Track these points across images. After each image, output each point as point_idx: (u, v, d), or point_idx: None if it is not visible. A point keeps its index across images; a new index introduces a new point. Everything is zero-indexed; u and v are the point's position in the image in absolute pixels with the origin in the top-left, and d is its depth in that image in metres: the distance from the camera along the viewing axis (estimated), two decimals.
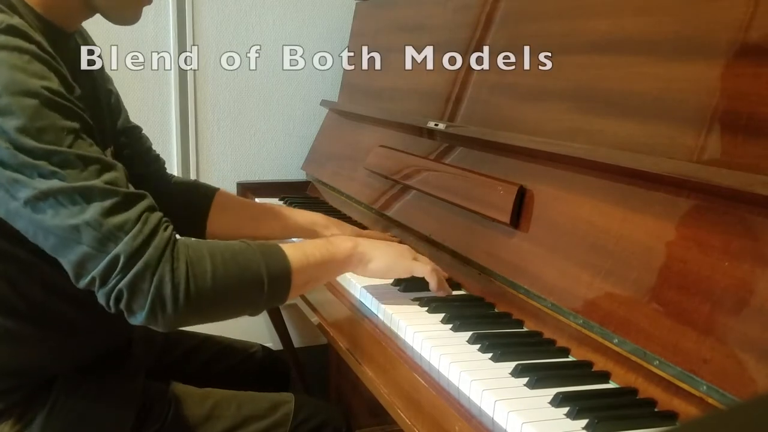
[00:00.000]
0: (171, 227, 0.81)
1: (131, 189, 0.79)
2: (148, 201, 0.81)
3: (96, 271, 0.76)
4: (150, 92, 1.82)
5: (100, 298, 0.78)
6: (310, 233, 1.22)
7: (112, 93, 1.12)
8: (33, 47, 0.77)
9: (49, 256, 0.79)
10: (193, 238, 0.88)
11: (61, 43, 0.88)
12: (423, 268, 1.01)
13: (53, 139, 0.75)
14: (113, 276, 0.76)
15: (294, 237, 1.25)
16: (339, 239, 1.00)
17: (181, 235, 0.88)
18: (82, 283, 0.78)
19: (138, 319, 0.78)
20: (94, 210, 0.75)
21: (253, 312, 0.87)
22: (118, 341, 1.04)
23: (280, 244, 0.90)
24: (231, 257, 0.82)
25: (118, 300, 0.77)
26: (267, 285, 0.84)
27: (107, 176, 0.77)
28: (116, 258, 0.75)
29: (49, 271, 0.88)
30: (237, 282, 0.82)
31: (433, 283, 1.01)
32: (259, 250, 0.86)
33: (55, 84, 0.78)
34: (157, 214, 0.80)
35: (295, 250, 0.89)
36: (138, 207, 0.78)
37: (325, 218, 1.25)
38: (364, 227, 1.41)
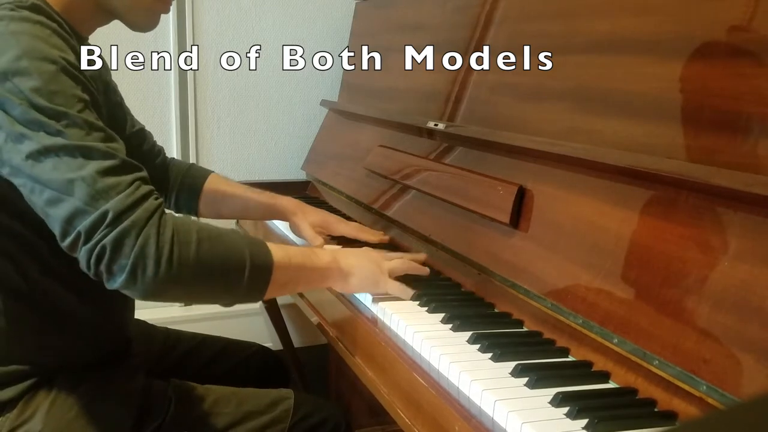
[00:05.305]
0: (161, 200, 0.82)
1: (130, 159, 0.82)
2: (144, 173, 0.83)
3: (82, 226, 0.76)
4: (150, 92, 1.82)
5: (82, 258, 0.78)
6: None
7: (120, 105, 1.14)
8: (54, 25, 0.82)
9: (47, 235, 0.80)
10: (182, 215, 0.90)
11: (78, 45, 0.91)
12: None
13: (64, 103, 0.78)
14: (99, 231, 0.76)
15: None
16: (320, 250, 1.02)
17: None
18: (68, 241, 0.78)
19: (117, 281, 0.77)
20: (91, 167, 0.77)
21: (230, 300, 0.87)
22: (118, 338, 1.05)
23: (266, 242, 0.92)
24: (217, 236, 0.84)
25: (99, 258, 0.76)
26: (248, 271, 0.84)
27: (110, 144, 0.80)
28: (104, 214, 0.76)
29: (46, 251, 0.90)
30: (220, 260, 0.83)
31: (407, 269, 1.05)
32: (245, 238, 0.88)
33: (72, 58, 0.82)
34: (150, 186, 0.82)
35: (278, 249, 0.90)
36: (133, 175, 0.81)
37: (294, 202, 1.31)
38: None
